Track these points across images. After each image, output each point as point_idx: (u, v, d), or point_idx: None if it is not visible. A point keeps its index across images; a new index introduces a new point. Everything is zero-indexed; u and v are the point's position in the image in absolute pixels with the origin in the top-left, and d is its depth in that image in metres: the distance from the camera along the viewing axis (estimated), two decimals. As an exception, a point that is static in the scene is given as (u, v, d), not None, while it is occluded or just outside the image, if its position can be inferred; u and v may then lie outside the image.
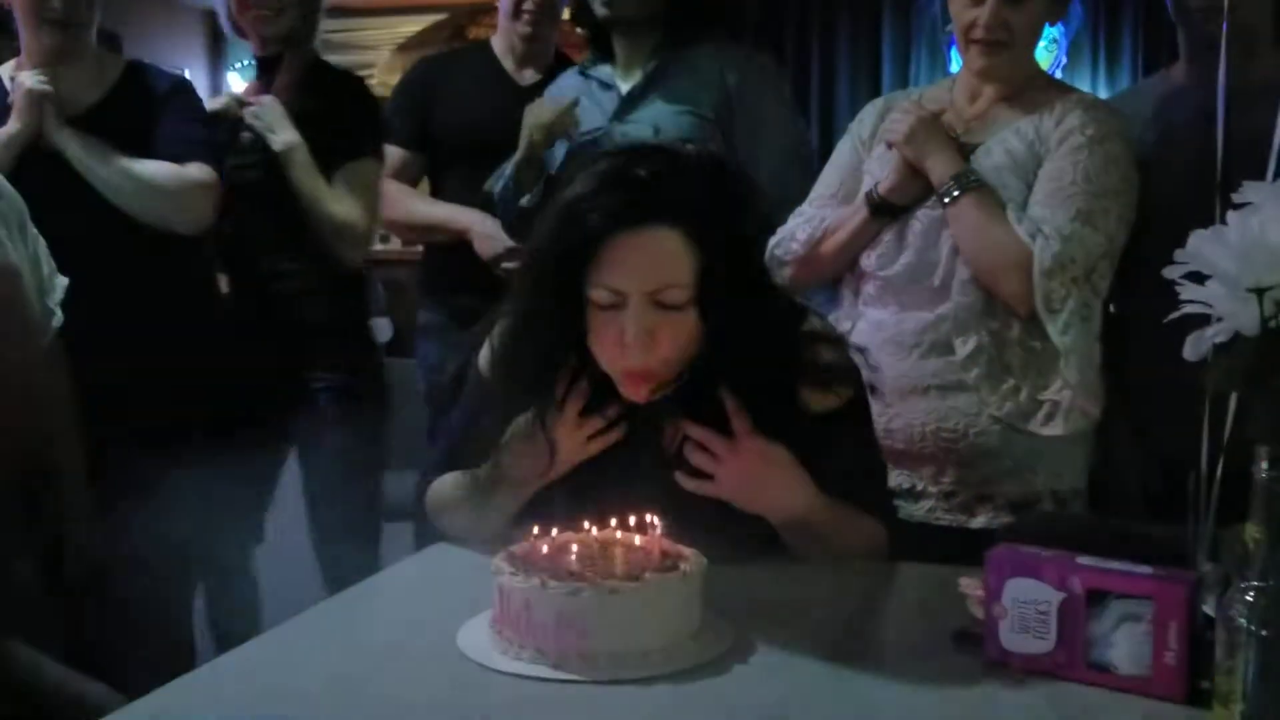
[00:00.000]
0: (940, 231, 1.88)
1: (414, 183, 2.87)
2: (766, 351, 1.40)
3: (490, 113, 2.72)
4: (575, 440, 1.46)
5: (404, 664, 1.19)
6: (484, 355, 1.56)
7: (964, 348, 1.84)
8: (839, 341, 1.54)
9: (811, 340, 1.48)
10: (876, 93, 1.95)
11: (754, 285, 1.41)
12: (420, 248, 3.02)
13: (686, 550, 1.26)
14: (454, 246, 2.73)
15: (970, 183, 1.84)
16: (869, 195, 1.94)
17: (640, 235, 1.33)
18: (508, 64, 2.83)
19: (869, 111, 2.09)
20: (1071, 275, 1.79)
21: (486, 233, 2.63)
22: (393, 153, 2.80)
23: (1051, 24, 1.97)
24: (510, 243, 2.54)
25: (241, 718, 1.08)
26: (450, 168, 2.81)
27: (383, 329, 6.57)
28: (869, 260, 1.95)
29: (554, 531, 1.28)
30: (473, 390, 1.59)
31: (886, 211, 1.92)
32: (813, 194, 2.07)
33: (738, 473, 1.40)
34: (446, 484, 1.59)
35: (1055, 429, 1.83)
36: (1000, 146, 1.88)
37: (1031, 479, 1.85)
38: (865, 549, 1.51)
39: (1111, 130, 1.87)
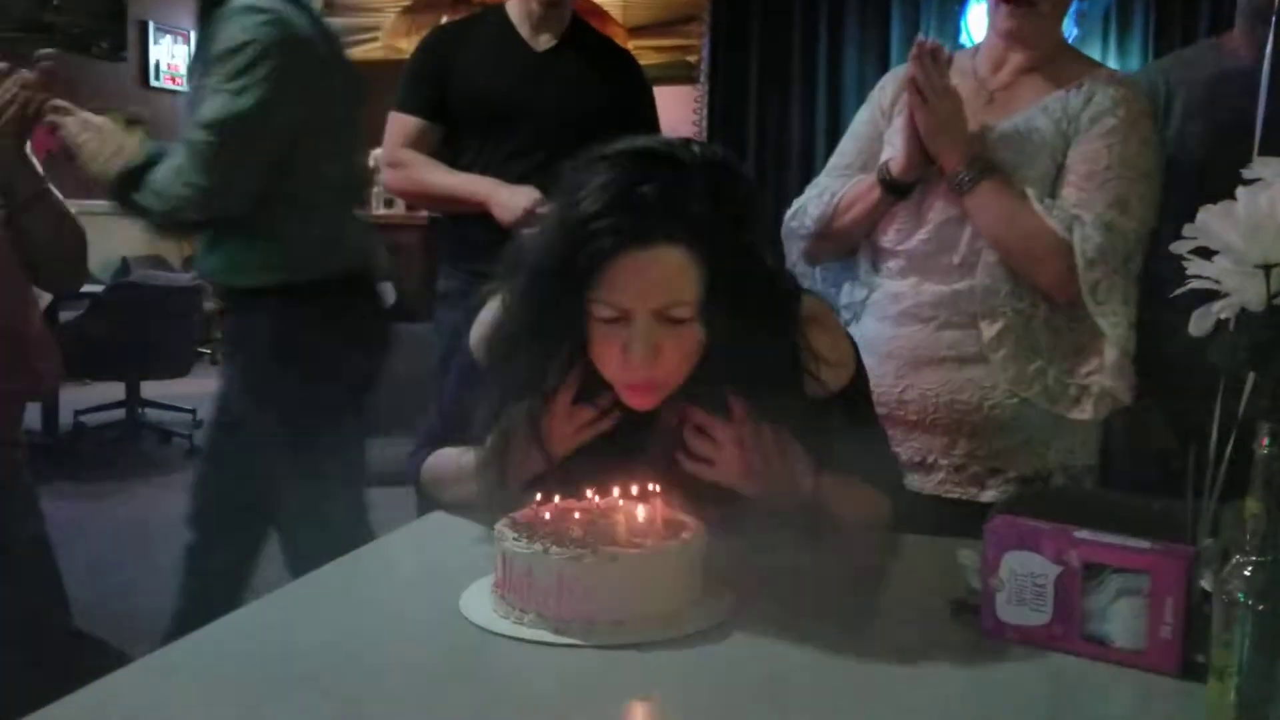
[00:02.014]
0: (959, 208, 1.85)
1: (432, 152, 2.85)
2: (769, 350, 1.39)
3: (506, 80, 2.73)
4: (567, 430, 1.44)
5: (407, 627, 1.20)
6: (474, 335, 1.54)
7: (990, 329, 1.83)
8: (836, 322, 1.53)
9: (809, 325, 1.45)
10: (885, 68, 1.91)
11: (758, 290, 1.37)
12: (424, 213, 3.01)
13: (688, 518, 1.26)
14: (472, 211, 2.72)
15: (984, 169, 1.80)
16: (880, 172, 1.91)
17: (646, 254, 1.31)
18: (524, 30, 2.80)
19: (890, 79, 2.06)
20: (1113, 265, 1.78)
21: (502, 201, 2.62)
22: (409, 122, 2.80)
23: None
24: (529, 200, 2.55)
25: (245, 678, 1.09)
26: (468, 136, 2.79)
27: (386, 293, 6.59)
28: (887, 236, 1.93)
29: (557, 498, 1.29)
30: (464, 369, 1.58)
31: (898, 190, 1.89)
32: (830, 164, 2.05)
33: (737, 458, 1.40)
34: (443, 459, 1.58)
35: (1084, 413, 1.82)
36: (1027, 125, 1.86)
37: (1044, 454, 1.85)
38: (868, 521, 1.52)
39: (1142, 112, 1.85)
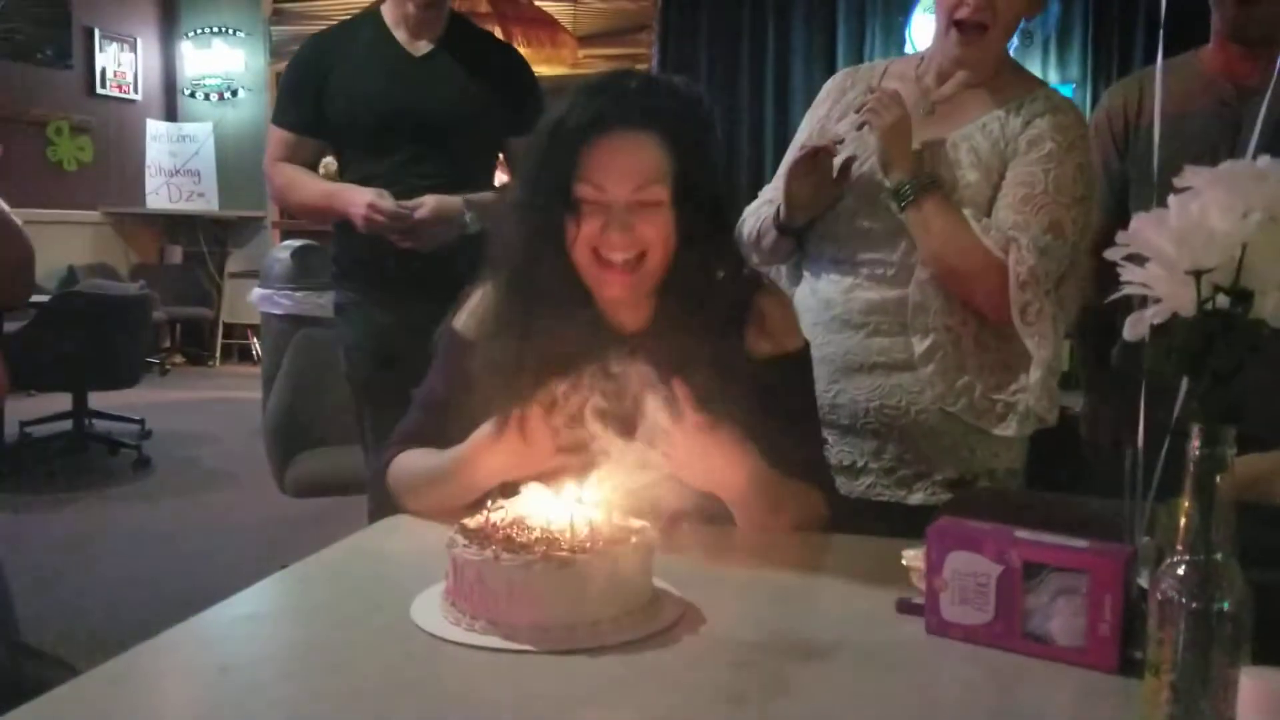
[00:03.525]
0: (894, 218, 1.87)
1: (311, 165, 2.80)
2: (726, 269, 1.55)
3: (383, 87, 2.66)
4: (545, 442, 1.44)
5: (358, 635, 1.19)
6: (462, 319, 1.60)
7: (921, 344, 1.86)
8: (788, 300, 1.65)
9: (762, 292, 1.58)
10: (831, 74, 1.96)
11: (718, 194, 1.54)
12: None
13: (637, 522, 1.27)
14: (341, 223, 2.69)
15: (927, 184, 1.83)
16: (774, 217, 1.96)
17: (624, 138, 1.47)
18: (400, 34, 2.71)
19: (825, 91, 2.11)
20: (1044, 288, 1.81)
21: (349, 200, 2.58)
22: (283, 136, 2.75)
23: (1029, 18, 1.98)
24: (372, 195, 2.52)
25: (192, 690, 1.09)
26: (351, 145, 2.74)
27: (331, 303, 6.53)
28: (819, 242, 1.97)
29: (506, 504, 1.29)
30: (448, 358, 1.59)
31: (791, 232, 1.96)
32: (778, 174, 2.08)
33: (682, 449, 1.42)
34: (415, 460, 1.59)
35: (1009, 429, 1.86)
36: (965, 144, 1.89)
37: (970, 458, 1.88)
38: (806, 518, 1.54)
39: (1079, 136, 1.89)
